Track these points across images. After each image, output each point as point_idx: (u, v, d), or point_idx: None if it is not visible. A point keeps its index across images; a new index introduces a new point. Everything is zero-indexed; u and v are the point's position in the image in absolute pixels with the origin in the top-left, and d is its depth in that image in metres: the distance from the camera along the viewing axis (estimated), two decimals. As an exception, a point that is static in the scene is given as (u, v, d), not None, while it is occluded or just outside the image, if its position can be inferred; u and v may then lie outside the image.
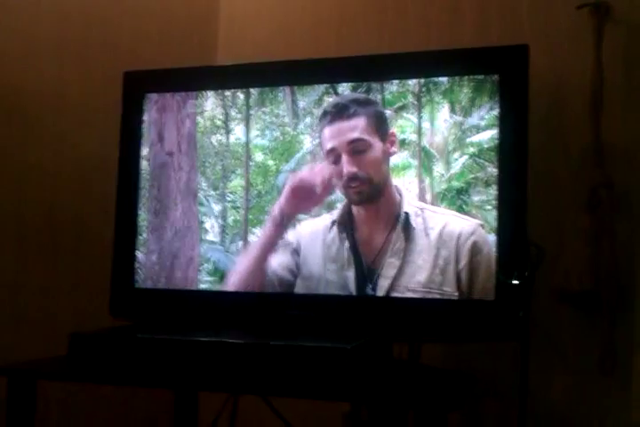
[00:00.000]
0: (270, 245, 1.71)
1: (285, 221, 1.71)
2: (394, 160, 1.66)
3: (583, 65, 1.75)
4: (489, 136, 1.61)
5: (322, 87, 1.73)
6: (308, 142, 1.74)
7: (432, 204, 1.64)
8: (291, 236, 1.71)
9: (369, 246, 1.66)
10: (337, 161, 1.66)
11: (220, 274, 1.76)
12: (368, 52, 1.75)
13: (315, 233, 1.70)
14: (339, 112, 1.67)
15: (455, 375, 1.58)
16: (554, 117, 1.80)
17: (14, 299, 1.86)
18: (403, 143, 1.67)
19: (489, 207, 1.59)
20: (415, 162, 1.67)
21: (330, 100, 1.71)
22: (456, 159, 1.67)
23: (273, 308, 1.69)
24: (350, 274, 1.65)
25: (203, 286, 1.77)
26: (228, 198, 1.81)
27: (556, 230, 1.78)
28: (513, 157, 1.57)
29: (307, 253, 1.70)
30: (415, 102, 1.68)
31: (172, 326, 1.70)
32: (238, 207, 1.80)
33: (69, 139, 1.97)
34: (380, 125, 1.66)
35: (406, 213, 1.63)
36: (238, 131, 1.81)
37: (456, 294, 1.57)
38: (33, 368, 1.55)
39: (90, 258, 1.96)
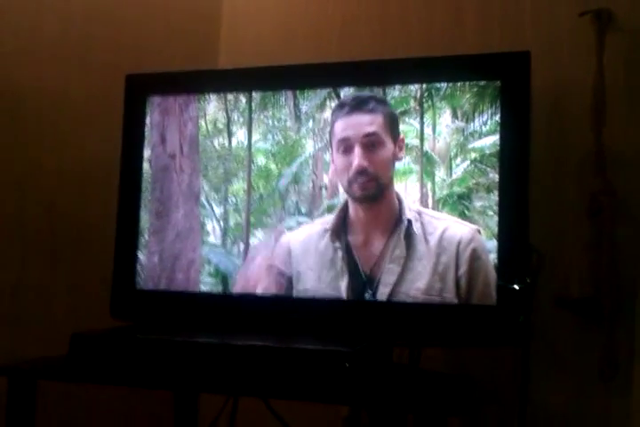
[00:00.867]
0: None
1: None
2: (397, 165, 1.66)
3: (585, 72, 1.76)
4: (491, 142, 1.61)
5: (324, 92, 1.74)
6: (310, 146, 1.74)
7: (433, 209, 1.64)
8: (283, 245, 1.72)
9: (366, 252, 1.66)
10: (348, 152, 1.65)
11: (221, 276, 1.77)
12: (369, 57, 1.76)
13: (306, 243, 1.70)
14: (358, 105, 1.67)
15: (455, 380, 1.59)
16: (555, 124, 1.81)
17: (15, 299, 1.87)
18: (405, 148, 1.67)
19: (490, 213, 1.59)
20: (417, 167, 1.67)
21: (334, 102, 1.72)
22: (458, 165, 1.67)
23: (274, 311, 1.69)
24: (343, 284, 1.65)
25: (204, 288, 1.78)
26: (230, 201, 1.81)
27: (556, 237, 1.78)
28: (514, 162, 1.57)
29: (300, 263, 1.69)
30: (417, 108, 1.68)
31: (173, 328, 1.70)
32: (240, 210, 1.80)
33: (71, 140, 1.97)
34: (393, 127, 1.66)
35: (409, 221, 1.63)
36: (240, 134, 1.81)
37: (455, 300, 1.57)
38: (33, 368, 1.55)
39: (91, 259, 1.96)
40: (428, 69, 1.69)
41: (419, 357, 1.69)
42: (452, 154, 1.68)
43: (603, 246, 1.70)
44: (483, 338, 1.59)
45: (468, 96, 1.65)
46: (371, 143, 1.65)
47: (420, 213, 1.63)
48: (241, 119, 1.81)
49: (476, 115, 1.64)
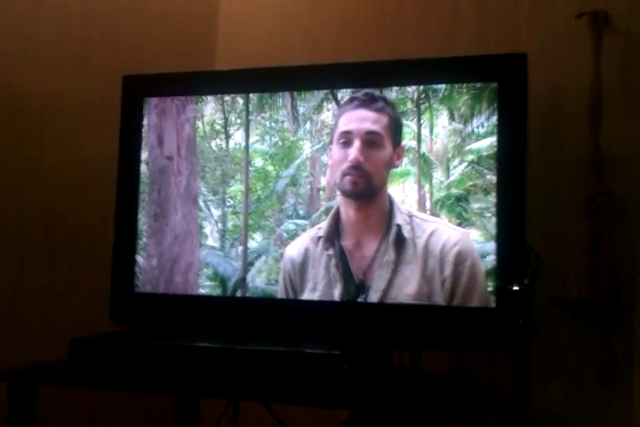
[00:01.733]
0: None
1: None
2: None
3: (582, 73, 1.76)
4: (488, 144, 1.61)
5: (321, 93, 1.74)
6: (307, 148, 1.74)
7: (431, 211, 1.64)
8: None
9: (359, 256, 1.66)
10: (347, 144, 1.66)
11: (220, 279, 1.77)
12: (366, 58, 1.76)
13: (302, 253, 1.70)
14: (367, 101, 1.67)
15: (456, 383, 1.59)
16: (552, 125, 1.81)
17: (13, 303, 1.87)
18: (403, 157, 1.67)
19: (488, 215, 1.60)
20: (414, 169, 1.67)
21: (331, 104, 1.72)
22: (455, 166, 1.67)
23: (273, 314, 1.69)
24: (336, 292, 1.65)
25: (202, 291, 1.78)
26: (228, 203, 1.81)
27: (554, 238, 1.78)
28: (512, 164, 1.58)
29: (299, 274, 1.70)
30: (414, 109, 1.68)
31: (172, 332, 1.70)
32: (238, 212, 1.80)
33: (69, 141, 1.97)
34: (396, 132, 1.67)
35: (398, 226, 1.63)
36: (238, 136, 1.81)
37: (444, 304, 1.58)
38: (33, 373, 1.56)
39: (89, 262, 1.97)
40: (425, 71, 1.69)
41: (419, 359, 1.70)
42: (450, 156, 1.68)
43: (601, 248, 1.70)
44: (482, 340, 1.59)
45: (464, 98, 1.65)
46: (371, 141, 1.65)
47: (410, 216, 1.64)
48: (238, 121, 1.81)
49: (473, 116, 1.64)
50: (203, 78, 1.87)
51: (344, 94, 1.71)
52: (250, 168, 1.79)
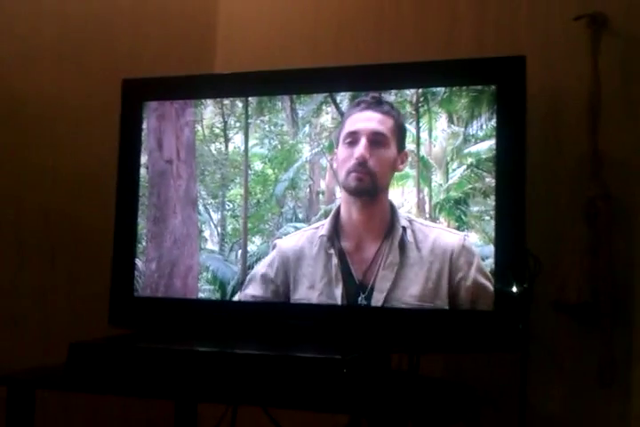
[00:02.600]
0: None
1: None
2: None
3: (580, 76, 1.76)
4: (487, 146, 1.61)
5: (320, 96, 1.74)
6: (306, 151, 1.75)
7: (430, 214, 1.65)
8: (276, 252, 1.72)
9: (359, 257, 1.66)
10: (354, 144, 1.66)
11: (219, 283, 1.77)
12: (365, 62, 1.76)
13: (299, 250, 1.70)
14: (374, 104, 1.68)
15: (454, 387, 1.59)
16: (551, 128, 1.81)
17: (12, 306, 1.87)
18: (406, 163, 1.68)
19: (487, 218, 1.60)
20: (413, 172, 1.67)
21: (330, 107, 1.72)
22: (454, 169, 1.68)
23: (272, 317, 1.69)
24: (338, 291, 1.65)
25: (202, 295, 1.78)
26: (227, 207, 1.81)
27: (553, 241, 1.78)
28: (511, 167, 1.58)
29: (293, 269, 1.70)
30: (413, 112, 1.69)
31: (171, 336, 1.70)
32: (237, 216, 1.80)
33: (68, 144, 1.97)
34: (400, 137, 1.67)
35: (404, 228, 1.63)
36: (237, 139, 1.81)
37: (447, 307, 1.58)
38: (32, 378, 1.56)
39: (88, 266, 1.97)
40: (424, 74, 1.69)
41: (418, 363, 1.69)
42: (449, 159, 1.68)
43: (600, 250, 1.70)
44: (481, 344, 1.59)
45: (463, 101, 1.65)
46: (377, 141, 1.65)
47: (410, 221, 1.64)
48: (237, 124, 1.82)
49: (472, 119, 1.65)
50: (202, 82, 1.88)
51: (343, 98, 1.71)
52: (249, 172, 1.79)
